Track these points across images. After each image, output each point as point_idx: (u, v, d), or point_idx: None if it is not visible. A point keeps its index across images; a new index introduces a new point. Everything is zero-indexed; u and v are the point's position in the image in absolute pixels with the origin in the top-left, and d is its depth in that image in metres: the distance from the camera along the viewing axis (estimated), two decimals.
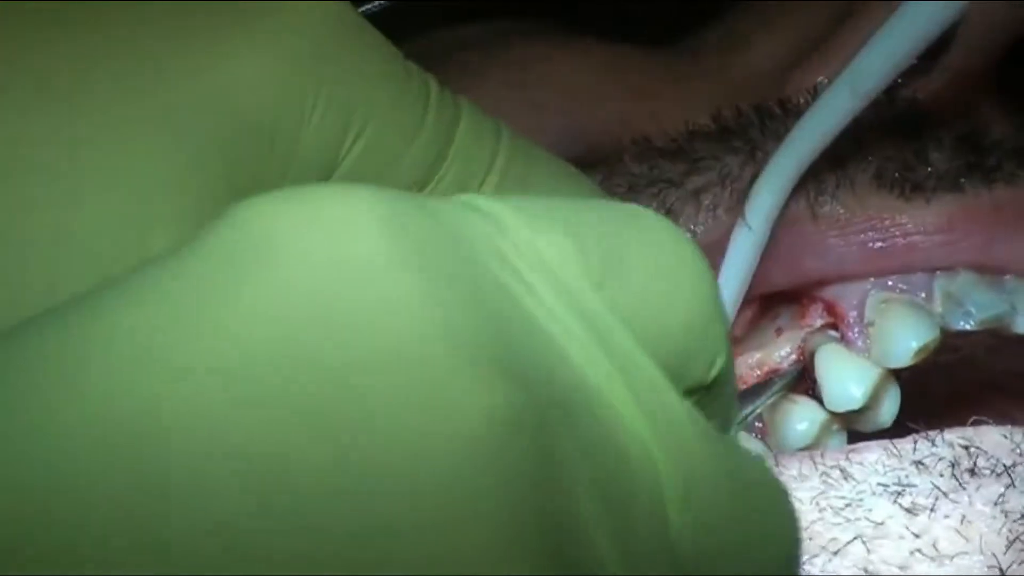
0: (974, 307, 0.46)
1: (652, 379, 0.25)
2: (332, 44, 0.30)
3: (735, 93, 0.51)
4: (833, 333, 0.47)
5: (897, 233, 0.46)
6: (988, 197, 0.47)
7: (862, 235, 0.47)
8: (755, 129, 0.48)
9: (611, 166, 0.49)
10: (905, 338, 0.45)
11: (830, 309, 0.47)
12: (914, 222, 0.46)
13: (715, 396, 0.27)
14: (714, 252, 0.46)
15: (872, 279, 0.47)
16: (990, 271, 0.47)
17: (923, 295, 0.47)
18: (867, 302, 0.47)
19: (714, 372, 0.27)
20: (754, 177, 0.46)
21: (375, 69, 0.33)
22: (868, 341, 0.46)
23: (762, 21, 0.53)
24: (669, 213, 0.47)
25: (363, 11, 0.52)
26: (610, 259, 0.25)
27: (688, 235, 0.40)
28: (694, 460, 0.24)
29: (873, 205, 0.47)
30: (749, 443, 0.46)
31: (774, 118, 0.48)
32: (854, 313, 0.47)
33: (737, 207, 0.46)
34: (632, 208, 0.27)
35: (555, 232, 0.25)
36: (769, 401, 0.46)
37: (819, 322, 0.47)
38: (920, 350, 0.45)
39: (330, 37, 0.31)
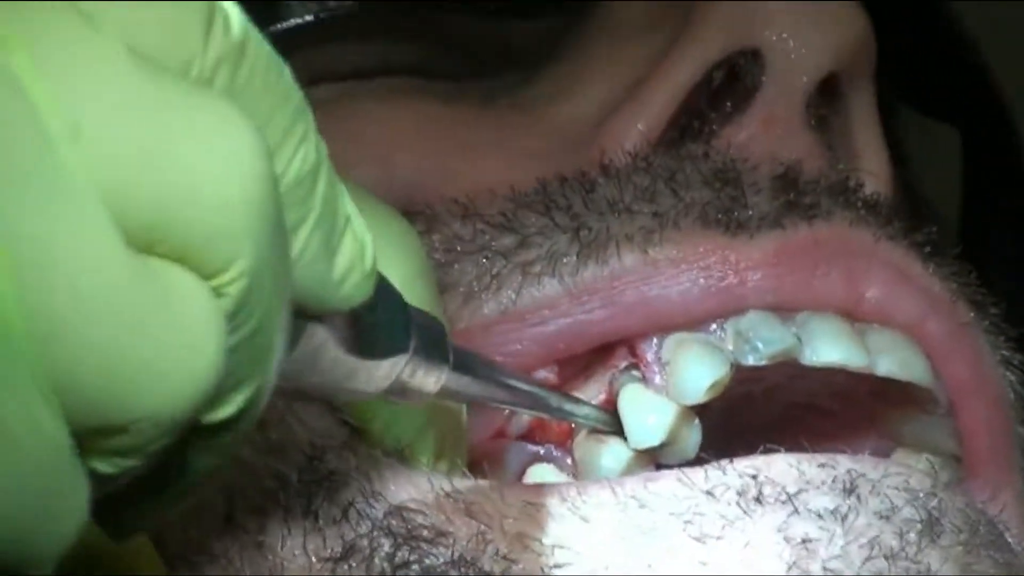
0: (761, 343, 0.49)
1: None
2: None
3: (557, 145, 0.54)
4: (636, 373, 0.50)
5: (729, 270, 0.49)
6: (809, 233, 0.50)
7: (695, 273, 0.49)
8: (579, 203, 0.51)
9: (430, 221, 0.51)
10: (698, 376, 0.48)
11: (632, 350, 0.50)
12: (741, 258, 0.49)
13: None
14: (530, 315, 0.49)
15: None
16: (809, 306, 0.50)
17: (717, 333, 0.50)
18: (664, 342, 0.50)
19: (190, 74, 0.29)
20: (579, 254, 0.49)
21: None
22: (666, 379, 0.49)
23: (582, 71, 0.56)
24: (495, 278, 0.50)
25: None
26: None
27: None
28: (96, 96, 0.27)
29: (701, 243, 0.49)
30: (548, 476, 0.49)
31: (595, 189, 0.51)
32: (652, 353, 0.50)
33: (560, 277, 0.49)
34: None
35: None
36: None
37: (623, 363, 0.50)
38: (712, 386, 0.48)
39: None
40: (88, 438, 0.28)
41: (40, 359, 0.27)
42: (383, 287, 0.37)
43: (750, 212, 0.50)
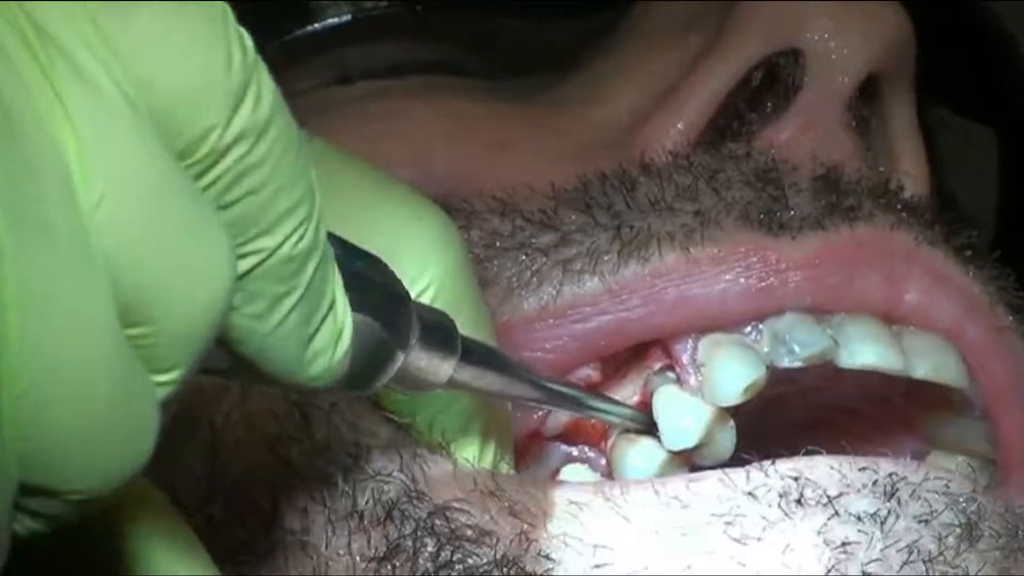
0: (797, 345, 0.50)
1: (110, 100, 0.29)
2: None
3: (595, 143, 0.55)
4: (671, 374, 0.51)
5: (770, 270, 0.50)
6: (850, 235, 0.51)
7: (736, 272, 0.50)
8: (620, 201, 0.52)
9: (468, 217, 0.52)
10: (733, 378, 0.49)
11: (667, 351, 0.51)
12: (782, 258, 0.50)
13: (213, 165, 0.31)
14: (571, 312, 0.50)
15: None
16: (848, 308, 0.51)
17: (753, 335, 0.50)
18: (700, 344, 0.50)
19: (208, 141, 0.30)
20: (620, 252, 0.50)
21: None
22: (701, 381, 0.50)
23: (618, 70, 0.57)
24: (535, 275, 0.50)
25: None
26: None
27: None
28: (122, 175, 0.29)
29: (742, 243, 0.50)
30: (582, 476, 0.50)
31: (636, 187, 0.52)
32: (687, 355, 0.50)
33: (601, 275, 0.50)
34: None
35: None
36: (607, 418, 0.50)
37: (658, 364, 0.51)
38: (748, 388, 0.49)
39: None
40: (21, 496, 0.29)
41: (14, 408, 0.28)
42: (387, 291, 0.38)
43: (792, 213, 0.51)
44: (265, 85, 0.31)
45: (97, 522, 0.34)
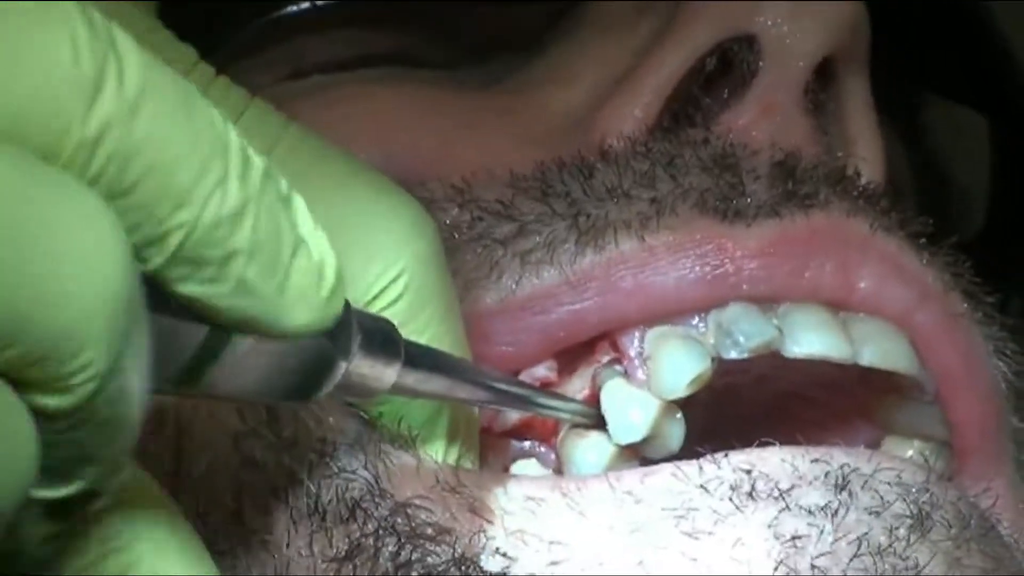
0: (743, 336, 0.50)
1: None
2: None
3: (554, 129, 0.56)
4: (619, 368, 0.51)
5: (725, 258, 0.50)
6: (805, 222, 0.52)
7: (690, 260, 0.50)
8: (578, 189, 0.52)
9: (427, 206, 0.52)
10: (679, 370, 0.50)
11: (615, 345, 0.51)
12: (737, 246, 0.51)
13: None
14: (531, 303, 0.51)
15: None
16: (802, 296, 0.51)
17: (701, 326, 0.51)
18: (646, 336, 0.51)
19: (71, 137, 0.28)
20: (577, 241, 0.51)
21: None
22: (648, 374, 0.50)
23: (577, 55, 0.58)
24: (494, 268, 0.51)
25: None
26: None
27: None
28: None
29: (698, 230, 0.51)
30: (532, 471, 0.50)
31: (594, 174, 0.52)
32: (635, 348, 0.51)
33: (559, 266, 0.51)
34: None
35: None
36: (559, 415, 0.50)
37: (606, 358, 0.51)
38: (693, 381, 0.50)
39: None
40: None
41: None
42: None
43: (748, 200, 0.51)
44: (129, 58, 0.29)
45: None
